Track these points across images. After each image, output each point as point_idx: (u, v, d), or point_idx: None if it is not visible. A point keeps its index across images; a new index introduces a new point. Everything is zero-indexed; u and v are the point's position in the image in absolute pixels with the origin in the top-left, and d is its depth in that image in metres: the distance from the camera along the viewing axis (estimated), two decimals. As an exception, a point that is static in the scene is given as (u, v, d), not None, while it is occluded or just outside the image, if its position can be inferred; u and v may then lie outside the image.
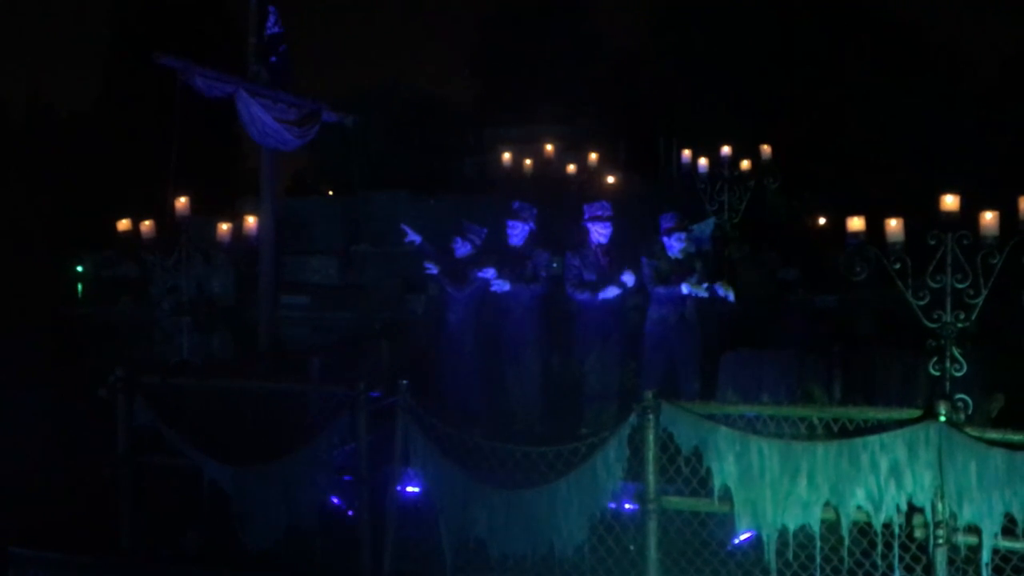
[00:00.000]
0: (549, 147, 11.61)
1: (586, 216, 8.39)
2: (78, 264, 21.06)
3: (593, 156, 11.93)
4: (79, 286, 20.78)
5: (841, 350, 7.50)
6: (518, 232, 8.61)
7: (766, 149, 10.99)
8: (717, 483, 5.97)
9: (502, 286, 8.34)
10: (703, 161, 10.87)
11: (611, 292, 8.17)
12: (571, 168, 11.93)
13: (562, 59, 36.21)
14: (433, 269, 8.51)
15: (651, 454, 6.05)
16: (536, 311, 8.61)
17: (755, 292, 10.77)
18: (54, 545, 7.10)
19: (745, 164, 11.15)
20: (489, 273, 8.31)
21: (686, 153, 11.31)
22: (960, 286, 5.77)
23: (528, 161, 11.90)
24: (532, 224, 8.69)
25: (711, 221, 8.87)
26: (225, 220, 8.57)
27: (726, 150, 10.87)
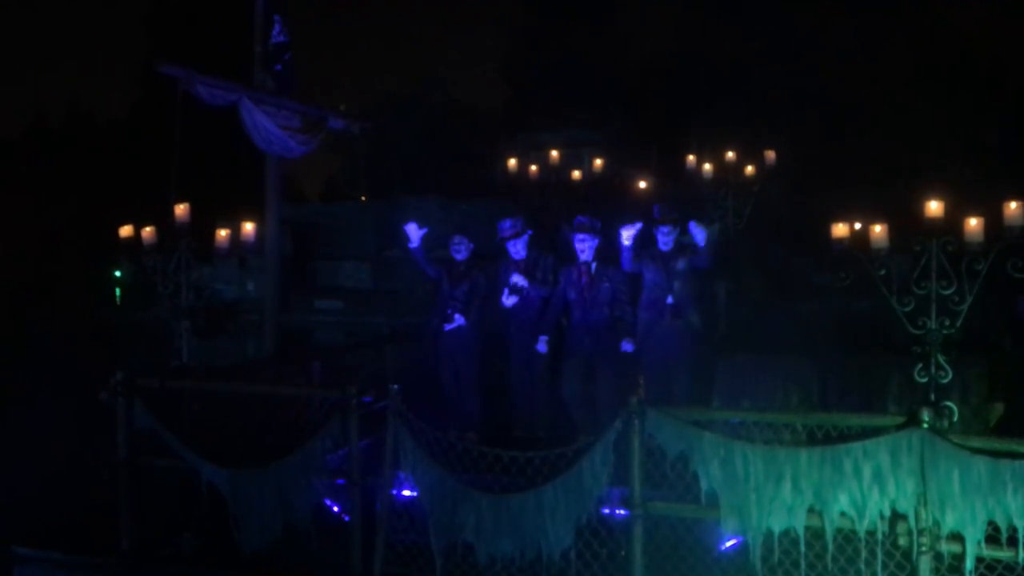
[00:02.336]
0: (554, 153, 11.56)
1: (573, 228, 8.37)
2: (116, 269, 21.38)
3: (598, 162, 11.89)
4: (117, 291, 21.11)
5: (838, 356, 7.47)
6: (519, 247, 8.60)
7: (770, 155, 10.94)
8: (704, 488, 6.00)
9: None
10: (708, 167, 10.84)
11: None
12: (576, 174, 11.87)
13: (592, 64, 36.23)
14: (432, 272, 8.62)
15: (636, 460, 6.09)
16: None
17: (770, 295, 10.74)
18: (57, 545, 7.25)
19: (749, 169, 11.09)
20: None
21: (690, 159, 11.27)
22: (945, 292, 5.73)
23: (534, 167, 11.84)
24: (529, 231, 8.68)
25: (715, 227, 8.83)
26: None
27: (730, 155, 10.83)
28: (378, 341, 9.97)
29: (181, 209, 7.33)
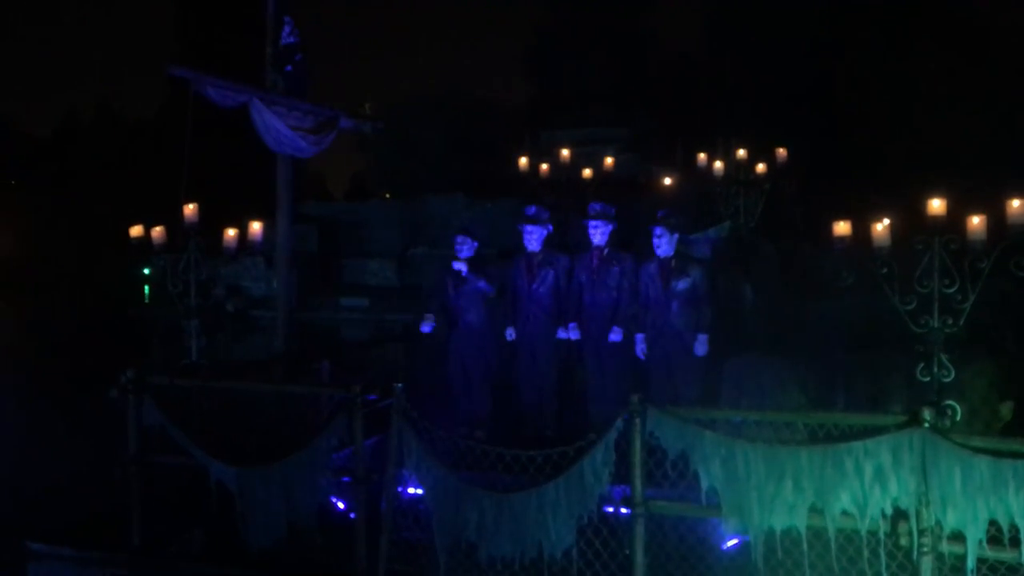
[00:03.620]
0: (565, 152, 11.50)
1: (589, 214, 8.41)
2: (145, 267, 21.72)
3: (609, 160, 11.83)
4: (146, 288, 21.44)
5: (844, 356, 7.43)
6: (536, 237, 8.62)
7: (782, 152, 10.87)
8: (705, 487, 5.99)
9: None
10: (719, 164, 10.79)
11: (612, 337, 8.29)
12: (587, 172, 11.80)
13: (617, 60, 36.16)
14: (463, 268, 8.56)
15: (637, 458, 6.08)
16: (553, 315, 8.59)
17: (791, 294, 10.68)
18: (70, 541, 7.35)
19: (761, 167, 11.02)
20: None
21: (701, 157, 11.21)
22: (948, 291, 5.69)
23: (544, 166, 11.79)
24: (550, 227, 8.72)
25: (726, 225, 8.80)
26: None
27: (741, 153, 10.77)
28: (391, 339, 10.00)
29: (190, 209, 7.40)
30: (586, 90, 35.00)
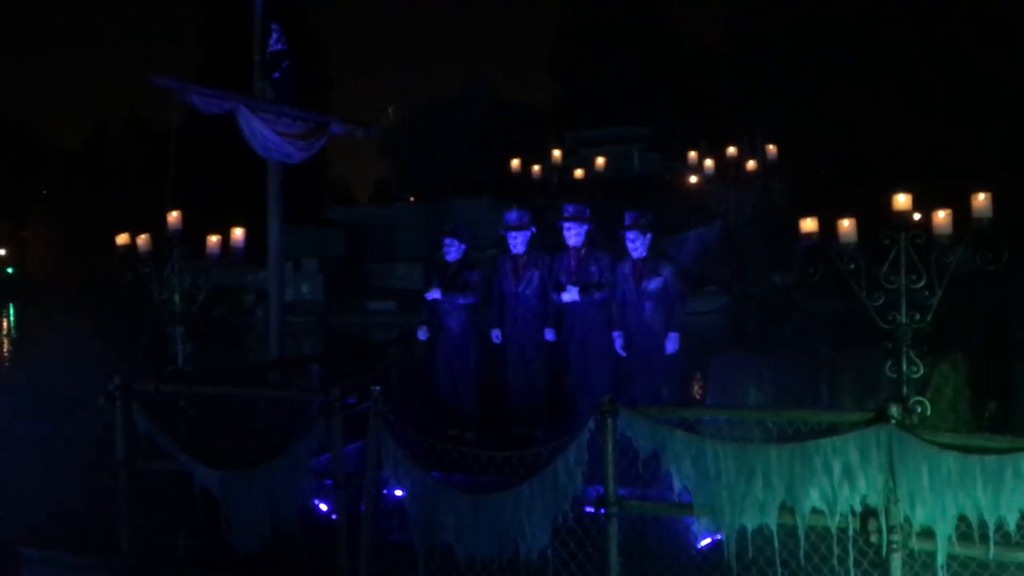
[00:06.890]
0: (556, 153, 11.49)
1: (563, 216, 8.41)
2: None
3: (600, 161, 11.79)
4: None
5: (829, 352, 7.39)
6: (520, 240, 8.64)
7: (772, 149, 10.77)
8: (677, 486, 6.01)
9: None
10: (709, 163, 10.74)
11: (564, 297, 8.27)
12: (578, 173, 11.77)
13: (641, 59, 36.10)
14: (436, 294, 8.58)
15: (610, 459, 6.09)
16: (540, 316, 8.60)
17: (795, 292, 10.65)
18: (62, 546, 7.47)
19: (749, 165, 10.94)
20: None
21: (692, 155, 11.14)
22: (915, 287, 5.65)
23: (536, 167, 11.79)
24: (533, 228, 8.73)
25: (717, 223, 8.74)
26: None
27: (732, 150, 10.70)
28: (393, 342, 10.04)
29: (174, 217, 7.49)
30: (610, 89, 35.06)
